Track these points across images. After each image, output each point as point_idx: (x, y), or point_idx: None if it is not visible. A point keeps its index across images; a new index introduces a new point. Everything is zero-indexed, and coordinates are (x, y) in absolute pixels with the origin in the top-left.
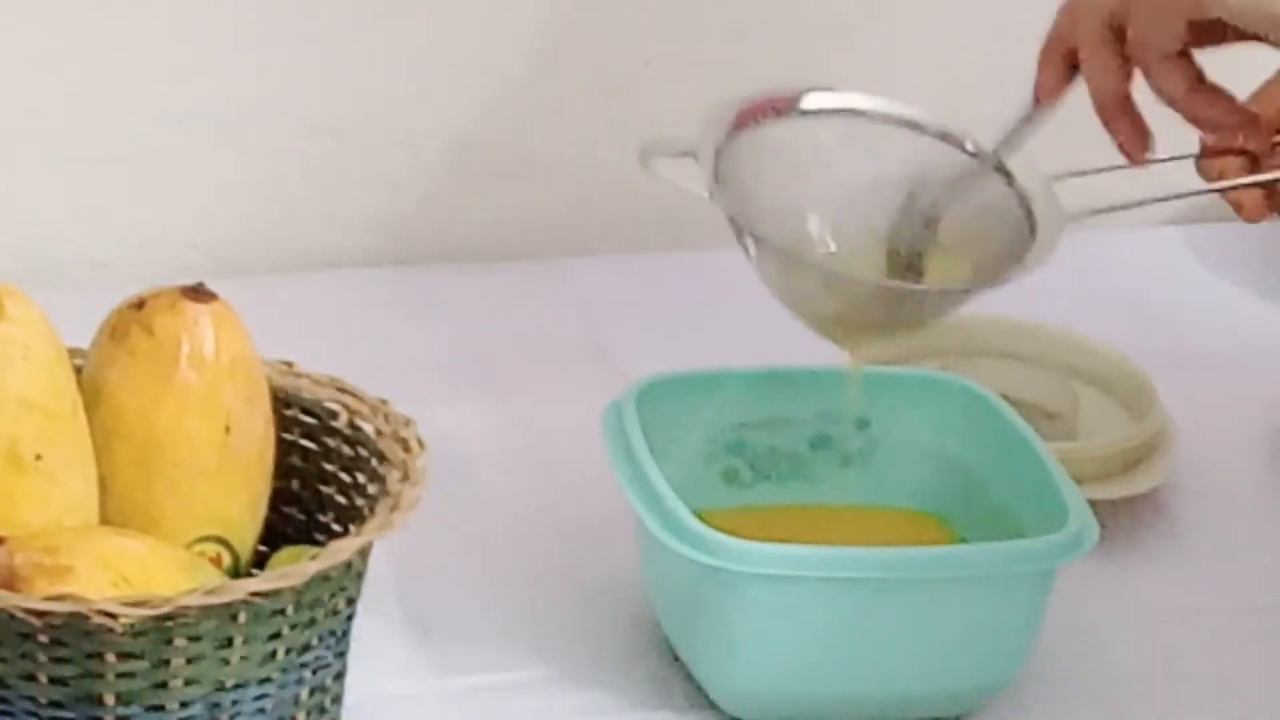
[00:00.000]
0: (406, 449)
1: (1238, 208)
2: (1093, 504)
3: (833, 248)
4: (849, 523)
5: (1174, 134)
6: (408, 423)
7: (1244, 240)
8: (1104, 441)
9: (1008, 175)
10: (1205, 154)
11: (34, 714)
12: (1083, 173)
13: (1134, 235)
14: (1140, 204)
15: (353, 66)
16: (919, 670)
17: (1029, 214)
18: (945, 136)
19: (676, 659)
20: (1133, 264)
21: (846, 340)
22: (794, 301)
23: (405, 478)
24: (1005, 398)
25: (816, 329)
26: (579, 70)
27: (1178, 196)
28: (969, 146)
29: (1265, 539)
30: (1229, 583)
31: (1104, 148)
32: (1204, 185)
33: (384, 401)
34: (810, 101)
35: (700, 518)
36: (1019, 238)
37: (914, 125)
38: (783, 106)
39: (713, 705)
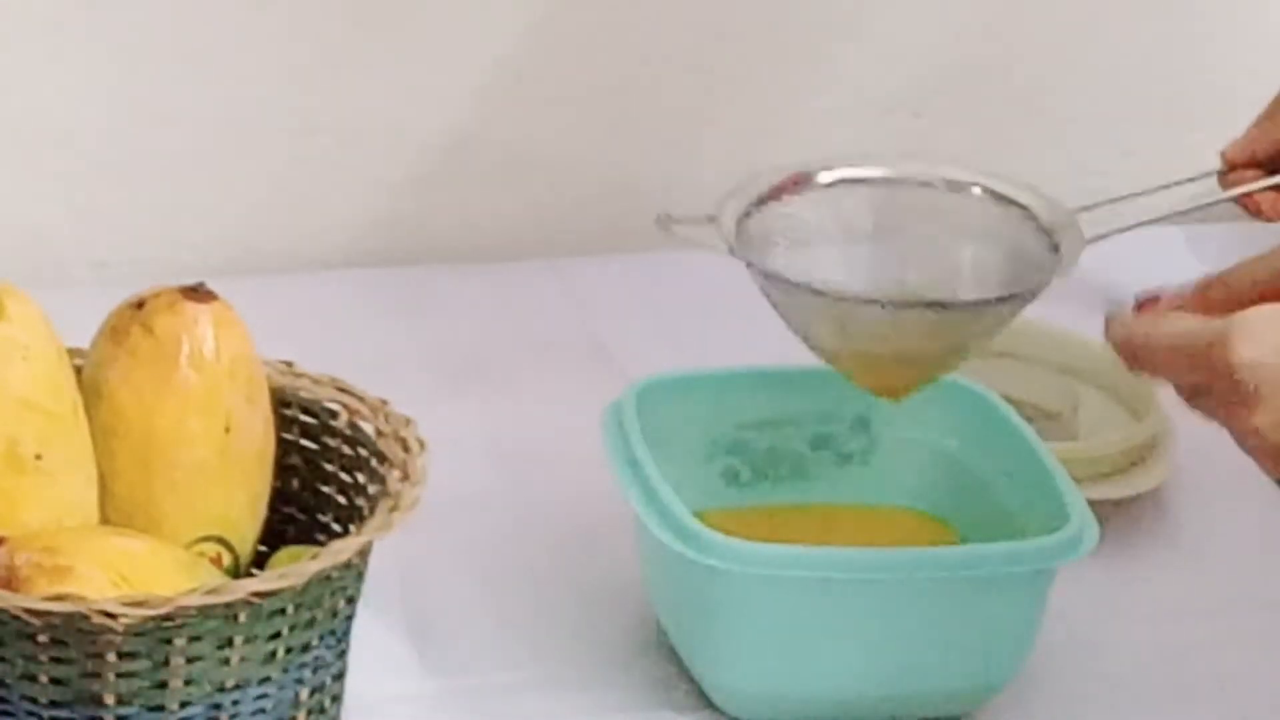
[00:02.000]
0: (406, 449)
1: (1257, 212)
2: (1093, 504)
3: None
4: (849, 523)
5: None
6: (408, 423)
7: (1244, 240)
8: (1104, 441)
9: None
10: (1227, 170)
11: (34, 714)
12: (1099, 204)
13: (1134, 235)
14: (1164, 219)
15: (352, 66)
16: (918, 670)
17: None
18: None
19: (676, 659)
20: (1133, 264)
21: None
22: (828, 352)
23: (405, 478)
24: (1005, 398)
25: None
26: (579, 70)
27: (1198, 208)
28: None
29: (1265, 539)
30: (1229, 583)
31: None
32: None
33: (384, 401)
34: (832, 176)
35: (700, 518)
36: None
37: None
38: (806, 181)
39: (713, 705)
